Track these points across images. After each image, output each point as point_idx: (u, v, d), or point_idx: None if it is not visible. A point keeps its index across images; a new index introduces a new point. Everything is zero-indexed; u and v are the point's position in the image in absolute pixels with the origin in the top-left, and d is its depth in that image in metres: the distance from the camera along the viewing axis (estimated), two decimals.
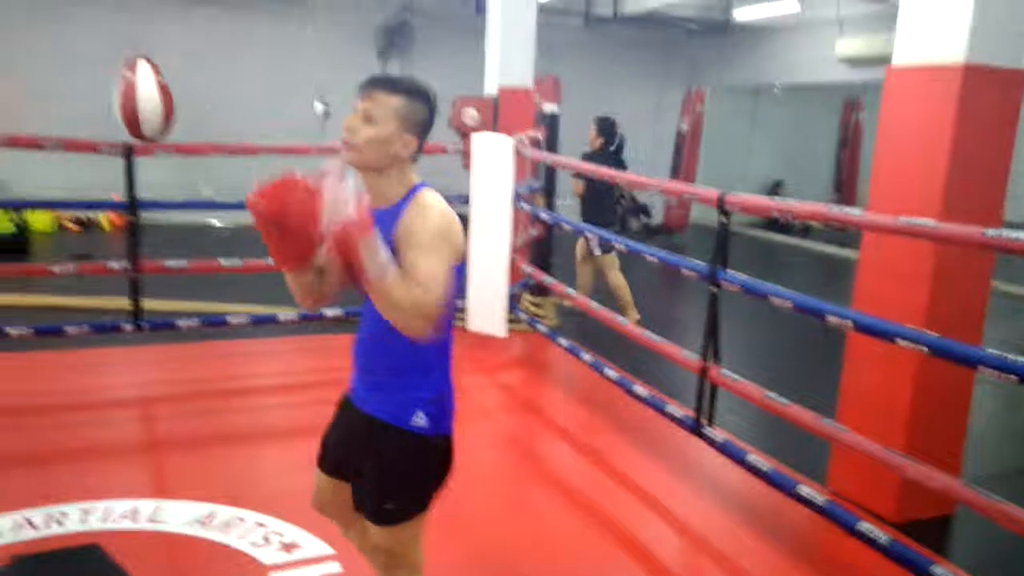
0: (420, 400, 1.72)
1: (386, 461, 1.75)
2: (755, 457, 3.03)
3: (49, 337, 4.30)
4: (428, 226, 1.61)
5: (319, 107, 9.68)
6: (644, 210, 11.58)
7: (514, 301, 5.29)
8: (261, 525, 2.79)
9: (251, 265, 4.71)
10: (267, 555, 2.63)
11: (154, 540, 2.70)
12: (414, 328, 1.56)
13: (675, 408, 3.46)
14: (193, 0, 9.53)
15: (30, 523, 2.73)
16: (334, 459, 1.91)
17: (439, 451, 1.79)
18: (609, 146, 5.85)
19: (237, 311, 4.97)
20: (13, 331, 4.16)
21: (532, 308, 5.50)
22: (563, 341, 4.55)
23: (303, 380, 4.59)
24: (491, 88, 5.96)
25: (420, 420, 1.72)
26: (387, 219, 1.64)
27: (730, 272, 3.15)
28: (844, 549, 2.81)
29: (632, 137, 11.80)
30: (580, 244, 5.77)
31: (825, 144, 12.73)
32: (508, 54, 5.96)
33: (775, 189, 12.32)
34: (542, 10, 6.90)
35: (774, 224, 11.53)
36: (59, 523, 2.75)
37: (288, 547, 2.68)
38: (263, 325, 4.80)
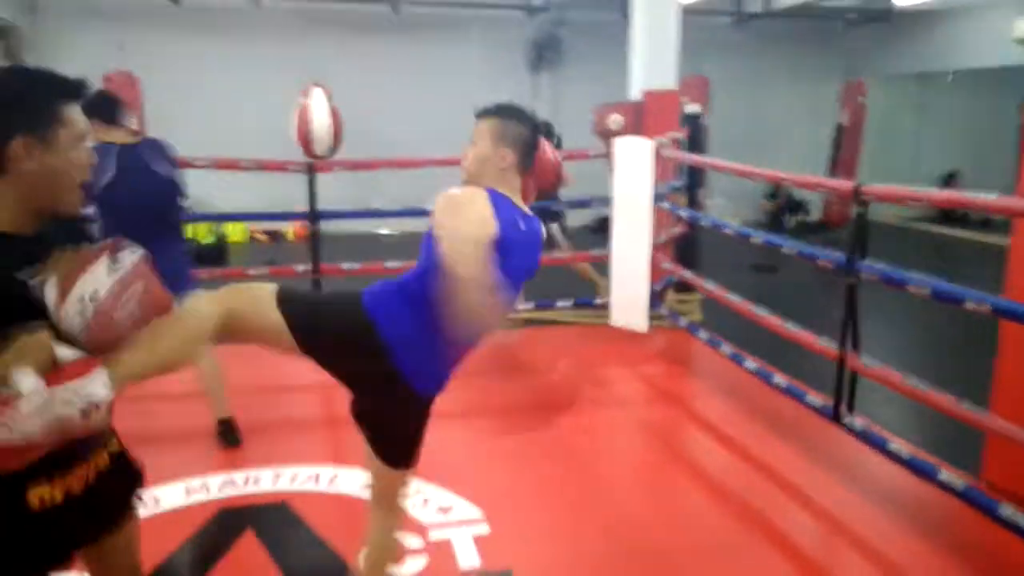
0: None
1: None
2: (896, 444, 3.03)
3: None
4: (452, 198, 1.85)
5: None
6: (801, 207, 11.24)
7: (657, 297, 5.43)
8: (419, 491, 3.14)
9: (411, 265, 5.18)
10: (426, 515, 2.98)
11: (332, 501, 3.12)
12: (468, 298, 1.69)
13: (814, 397, 3.49)
14: (363, 29, 10.38)
15: (232, 483, 3.24)
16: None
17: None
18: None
19: None
20: None
21: (676, 304, 5.60)
22: (703, 334, 4.64)
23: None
24: (636, 93, 6.11)
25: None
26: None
27: (868, 262, 3.15)
28: (989, 537, 2.75)
29: (786, 132, 11.57)
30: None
31: (1005, 131, 11.75)
32: (652, 58, 6.09)
33: (949, 181, 11.52)
34: (688, 10, 6.96)
35: (949, 217, 10.81)
36: (255, 483, 3.24)
37: (443, 509, 3.01)
38: None
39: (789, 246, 3.77)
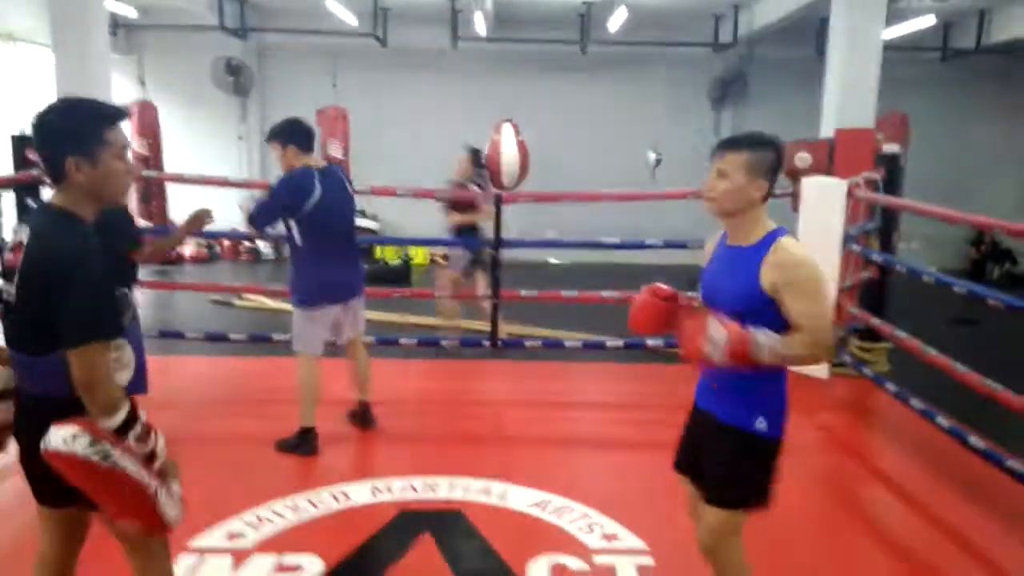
0: (762, 409, 2.05)
1: (727, 456, 2.10)
2: None
3: (427, 347, 5.33)
4: (805, 273, 1.95)
5: (652, 156, 10.28)
6: (1008, 255, 10.25)
7: (841, 344, 5.19)
8: (586, 516, 3.23)
9: (585, 296, 5.32)
10: (591, 540, 3.05)
11: (502, 514, 3.27)
12: (814, 362, 2.00)
13: (1017, 463, 3.21)
14: (551, 68, 10.77)
15: (413, 487, 3.48)
16: (685, 457, 2.27)
17: (772, 452, 2.09)
18: (476, 176, 5.79)
19: (572, 337, 5.61)
20: (404, 341, 5.24)
21: (860, 352, 5.32)
22: (891, 386, 4.38)
23: (626, 400, 5.01)
24: (828, 130, 5.93)
25: (762, 425, 2.04)
26: (750, 255, 2.01)
27: None
28: None
29: (993, 175, 10.64)
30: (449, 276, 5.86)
31: None
32: (847, 94, 5.90)
33: None
34: (891, 47, 6.66)
35: None
36: (432, 490, 3.46)
37: (608, 536, 3.07)
38: (592, 350, 5.36)
39: (995, 297, 3.51)
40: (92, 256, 1.76)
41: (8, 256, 1.82)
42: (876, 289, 5.30)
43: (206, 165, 9.12)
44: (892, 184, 5.25)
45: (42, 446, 1.66)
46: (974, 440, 3.50)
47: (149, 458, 1.78)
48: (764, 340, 1.91)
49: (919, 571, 2.96)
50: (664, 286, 2.19)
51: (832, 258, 4.75)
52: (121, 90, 7.99)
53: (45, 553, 2.00)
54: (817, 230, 4.85)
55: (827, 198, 4.81)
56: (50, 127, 1.81)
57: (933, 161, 9.90)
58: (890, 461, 4.08)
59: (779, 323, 1.96)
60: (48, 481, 1.79)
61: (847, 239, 4.82)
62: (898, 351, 4.74)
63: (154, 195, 9.61)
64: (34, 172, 5.11)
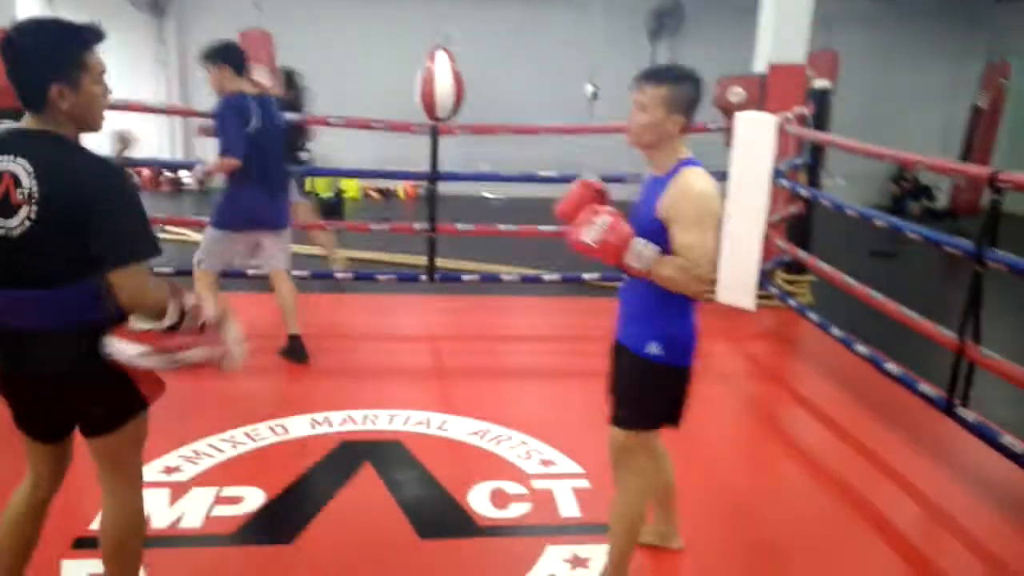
0: (654, 335, 2.10)
1: (623, 378, 2.19)
2: (1010, 439, 2.95)
3: (365, 282, 5.28)
4: (691, 205, 1.98)
5: (589, 89, 10.20)
6: (926, 192, 10.69)
7: (768, 277, 5.37)
8: (524, 443, 3.31)
9: (523, 231, 5.32)
10: (529, 466, 3.13)
11: (442, 444, 3.32)
12: (689, 291, 1.99)
13: (927, 387, 3.42)
14: None
15: (352, 419, 3.49)
16: (610, 385, 2.31)
17: (666, 377, 2.14)
18: (299, 101, 5.40)
19: (509, 271, 5.64)
20: (340, 275, 5.19)
21: (785, 284, 5.52)
22: (813, 316, 4.58)
23: (563, 333, 5.11)
24: (761, 65, 5.98)
25: (654, 349, 2.10)
26: (658, 185, 2.06)
27: (998, 252, 3.06)
28: None
29: (919, 113, 10.98)
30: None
31: None
32: (780, 30, 5.92)
33: None
34: None
35: None
36: (372, 422, 3.48)
37: (546, 463, 3.16)
38: (530, 284, 5.41)
39: (913, 231, 3.67)
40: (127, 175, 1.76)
41: None
42: (802, 223, 5.47)
43: (120, 90, 8.63)
44: (821, 120, 5.37)
45: (108, 352, 1.70)
46: (889, 366, 3.70)
47: (203, 326, 1.80)
48: (642, 248, 1.94)
49: (835, 486, 3.16)
50: (596, 180, 2.21)
51: (762, 192, 4.86)
52: (26, 9, 7.41)
53: (27, 490, 1.97)
54: (748, 165, 4.94)
55: (758, 133, 4.89)
56: (26, 51, 1.70)
57: (861, 98, 10.14)
58: (812, 386, 4.29)
59: (667, 252, 2.01)
60: (46, 417, 1.86)
61: (777, 174, 4.93)
62: (822, 283, 4.94)
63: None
64: None
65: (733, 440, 3.67)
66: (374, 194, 10.70)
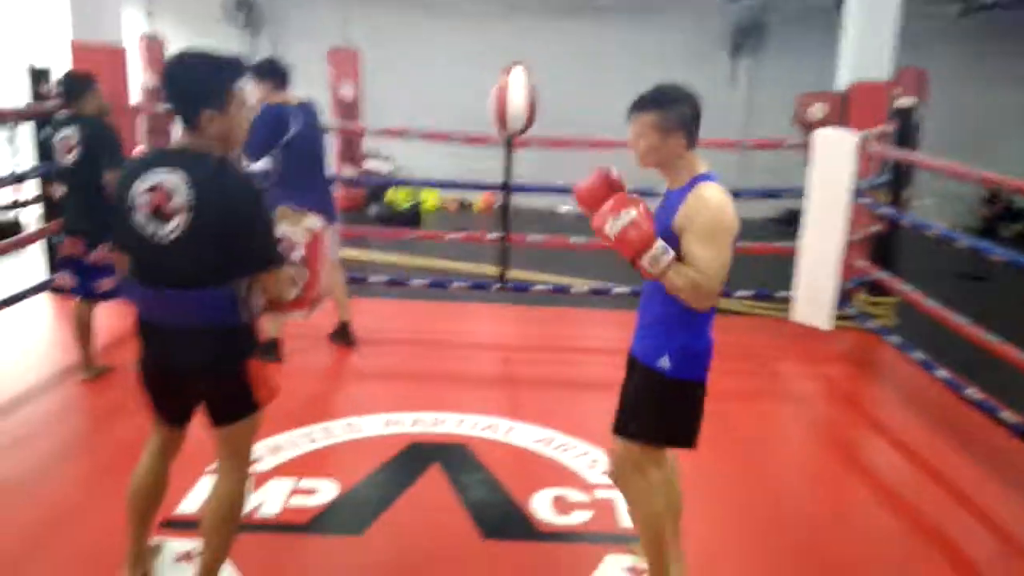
0: (667, 348, 2.13)
1: (631, 390, 2.23)
2: None
3: (438, 290, 5.42)
4: (706, 218, 2.01)
5: None
6: (1021, 216, 10.22)
7: (847, 297, 5.25)
8: (588, 453, 3.35)
9: (593, 243, 5.37)
10: (592, 475, 3.17)
11: (507, 449, 3.39)
12: (695, 304, 2.02)
13: (1009, 414, 3.30)
14: (565, 12, 10.62)
15: (422, 422, 3.60)
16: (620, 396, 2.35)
17: (677, 391, 2.16)
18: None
19: (579, 283, 5.69)
20: (415, 282, 5.34)
21: (866, 306, 5.39)
22: (893, 338, 4.46)
23: (629, 346, 5.10)
24: (843, 83, 5.88)
25: (665, 363, 2.13)
26: (674, 198, 2.11)
27: None
28: None
29: (1014, 134, 10.50)
30: None
31: None
32: (864, 47, 5.81)
33: None
34: (911, 0, 6.53)
35: None
36: (441, 425, 3.58)
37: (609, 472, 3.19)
38: (599, 296, 5.45)
39: (1001, 253, 3.55)
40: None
41: (151, 197, 1.92)
42: (885, 243, 5.33)
43: None
44: (904, 138, 5.24)
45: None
46: (970, 392, 3.58)
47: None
48: (661, 252, 1.97)
49: (908, 513, 3.08)
50: (615, 173, 2.28)
51: (840, 210, 4.77)
52: (130, 24, 7.92)
53: (152, 458, 2.26)
54: (827, 182, 4.86)
55: (837, 150, 4.81)
56: (184, 81, 1.97)
57: (952, 118, 9.80)
58: (887, 410, 4.18)
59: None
60: (178, 404, 2.15)
61: (857, 192, 4.83)
62: (905, 305, 4.80)
63: (163, 130, 9.62)
64: (49, 104, 5.16)
65: (802, 463, 3.61)
66: (451, 206, 10.92)
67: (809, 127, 5.46)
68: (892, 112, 5.43)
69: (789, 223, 6.16)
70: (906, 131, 5.28)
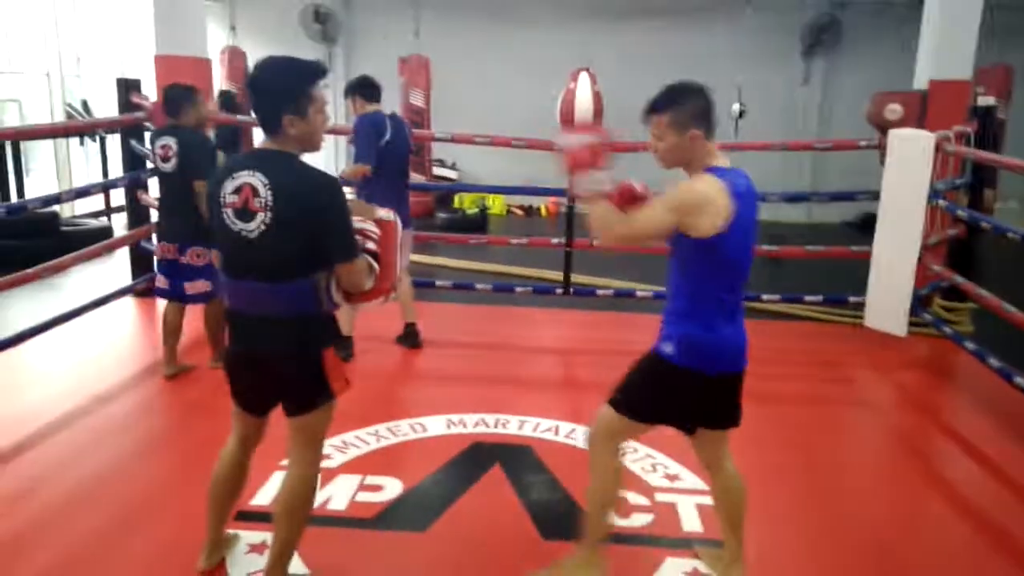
0: (674, 336, 2.20)
1: (637, 367, 2.33)
2: None
3: (504, 294, 5.49)
4: (672, 193, 2.09)
5: (735, 108, 10.02)
6: None
7: (921, 302, 5.08)
8: (650, 456, 3.35)
9: (657, 248, 5.34)
10: (653, 479, 3.17)
11: (569, 451, 3.42)
12: (598, 235, 2.17)
13: None
14: (633, 15, 10.58)
15: (485, 423, 3.67)
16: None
17: (671, 376, 2.22)
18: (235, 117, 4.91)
19: (643, 287, 5.67)
20: (480, 286, 5.42)
21: (942, 312, 5.20)
22: (969, 345, 4.30)
23: None
24: (922, 82, 5.69)
25: (668, 348, 2.20)
26: None
27: None
28: None
29: None
30: None
31: None
32: (943, 44, 5.62)
33: None
34: None
35: None
36: (503, 426, 3.64)
37: (671, 477, 3.19)
38: (662, 301, 5.38)
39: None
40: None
41: (237, 197, 2.05)
42: (963, 247, 5.14)
43: None
44: (985, 138, 5.04)
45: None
46: None
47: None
48: (603, 178, 2.12)
49: (980, 523, 2.97)
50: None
51: (916, 213, 4.63)
52: (212, 36, 8.28)
53: (233, 450, 2.38)
54: (902, 184, 4.72)
55: (913, 151, 4.67)
56: (265, 85, 2.06)
57: None
58: (962, 418, 4.04)
59: (690, 248, 2.12)
60: (259, 392, 2.25)
61: (934, 194, 4.68)
62: (984, 312, 4.62)
63: (243, 140, 10.01)
64: (138, 115, 5.45)
65: (874, 470, 3.52)
66: (517, 211, 11.00)
67: (885, 127, 5.30)
68: (972, 111, 5.23)
69: (865, 227, 5.99)
70: (986, 130, 5.08)
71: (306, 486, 2.27)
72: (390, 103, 9.86)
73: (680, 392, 2.25)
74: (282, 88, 2.04)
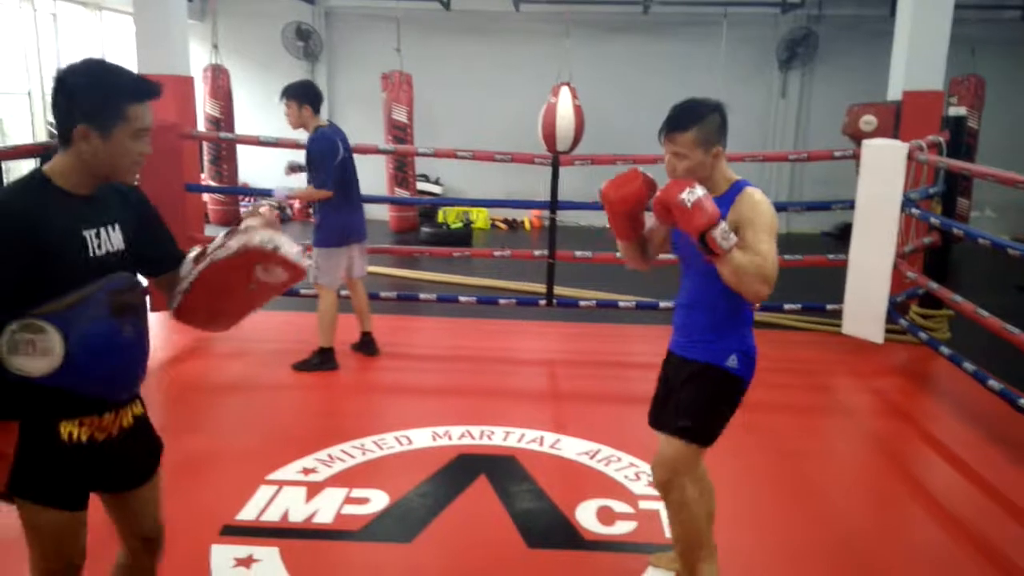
0: (733, 349, 2.21)
1: (703, 391, 2.24)
2: None
3: (487, 306, 5.53)
4: (764, 217, 2.11)
5: None
6: None
7: (899, 309, 5.17)
8: (634, 465, 3.39)
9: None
10: (637, 487, 3.21)
11: (553, 461, 3.46)
12: (754, 290, 2.06)
13: None
14: (611, 31, 10.70)
15: (470, 434, 3.69)
16: (656, 413, 2.42)
17: (736, 391, 2.25)
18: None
19: (626, 298, 5.73)
20: (464, 299, 5.46)
21: (919, 318, 5.29)
22: (945, 350, 4.38)
23: None
24: (895, 93, 5.81)
25: (733, 363, 2.20)
26: (719, 204, 2.14)
27: None
28: None
29: None
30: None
31: None
32: (916, 56, 5.73)
33: None
34: (968, 6, 6.39)
35: None
36: (488, 438, 3.67)
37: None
38: (646, 311, 5.47)
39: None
40: None
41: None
42: (938, 254, 5.24)
43: (277, 128, 9.42)
44: (957, 147, 5.16)
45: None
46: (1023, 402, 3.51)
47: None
48: (727, 228, 2.02)
49: (958, 527, 3.03)
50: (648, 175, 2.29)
51: (890, 221, 4.72)
52: (195, 55, 8.29)
53: None
54: (876, 193, 4.81)
55: (886, 161, 4.76)
56: (71, 88, 1.62)
57: (1012, 126, 9.52)
58: (940, 423, 4.11)
59: None
60: None
61: (908, 203, 4.78)
62: (960, 318, 4.71)
63: (225, 158, 10.01)
64: (47, 141, 5.41)
65: (853, 476, 3.58)
66: (501, 224, 11.04)
67: (859, 138, 5.41)
68: (943, 120, 5.35)
69: (844, 237, 6.08)
70: (958, 140, 5.20)
71: None
72: (373, 119, 9.94)
73: (737, 405, 2.28)
74: (90, 94, 1.61)
